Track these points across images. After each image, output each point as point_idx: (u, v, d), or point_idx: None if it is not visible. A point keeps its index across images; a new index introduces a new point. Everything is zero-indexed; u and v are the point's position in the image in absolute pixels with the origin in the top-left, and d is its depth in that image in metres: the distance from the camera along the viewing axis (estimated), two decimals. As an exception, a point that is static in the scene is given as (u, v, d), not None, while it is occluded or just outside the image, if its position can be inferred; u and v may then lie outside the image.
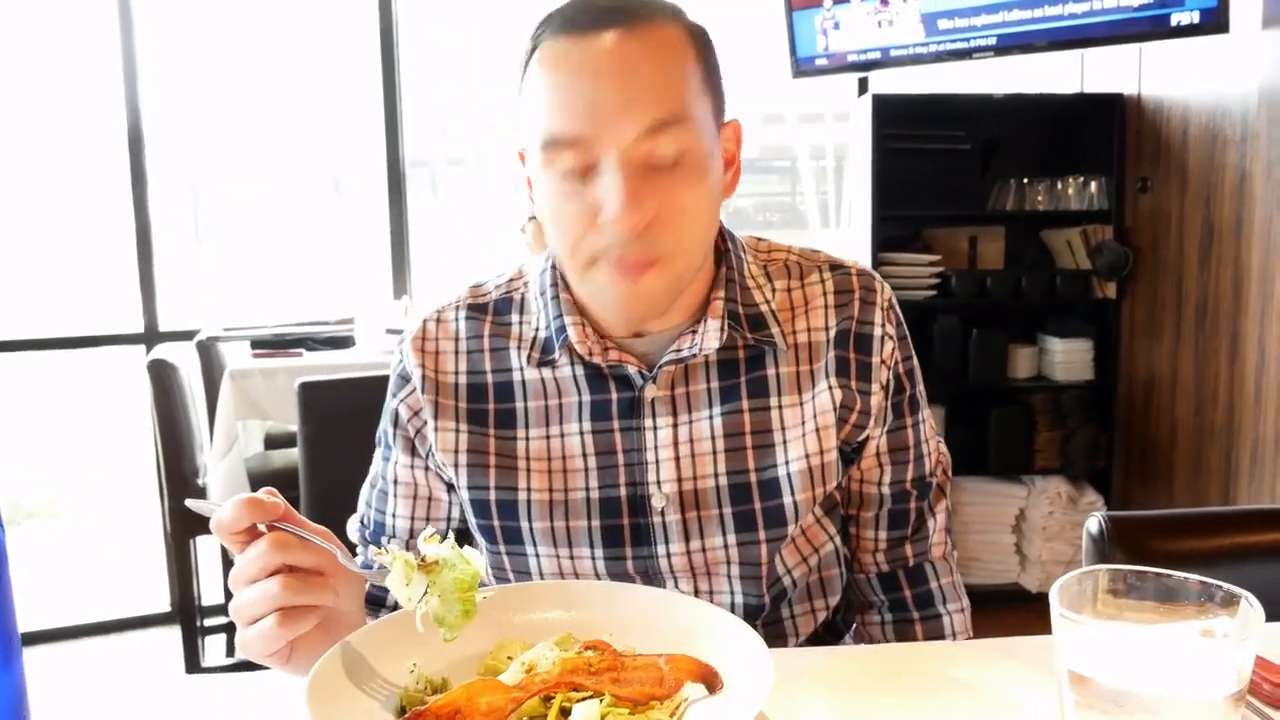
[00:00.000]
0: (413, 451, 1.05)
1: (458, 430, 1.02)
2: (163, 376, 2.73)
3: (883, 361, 1.03)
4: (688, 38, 0.92)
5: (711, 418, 1.00)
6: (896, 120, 3.35)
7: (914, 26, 3.19)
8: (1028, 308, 3.51)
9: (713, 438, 1.00)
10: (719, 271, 1.02)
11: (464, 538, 1.05)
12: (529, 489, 1.01)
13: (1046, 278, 3.38)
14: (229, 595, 2.76)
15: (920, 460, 1.07)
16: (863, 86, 3.66)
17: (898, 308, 1.06)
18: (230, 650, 3.15)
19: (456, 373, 1.04)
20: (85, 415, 5.47)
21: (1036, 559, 3.42)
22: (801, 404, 1.01)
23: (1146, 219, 3.28)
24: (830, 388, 1.01)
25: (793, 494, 1.00)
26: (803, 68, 3.40)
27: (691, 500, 0.99)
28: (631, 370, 0.99)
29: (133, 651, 3.38)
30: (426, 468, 1.05)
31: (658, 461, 1.00)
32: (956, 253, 3.51)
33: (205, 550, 3.04)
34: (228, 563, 3.19)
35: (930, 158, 3.47)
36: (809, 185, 5.64)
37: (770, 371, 1.01)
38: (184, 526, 2.80)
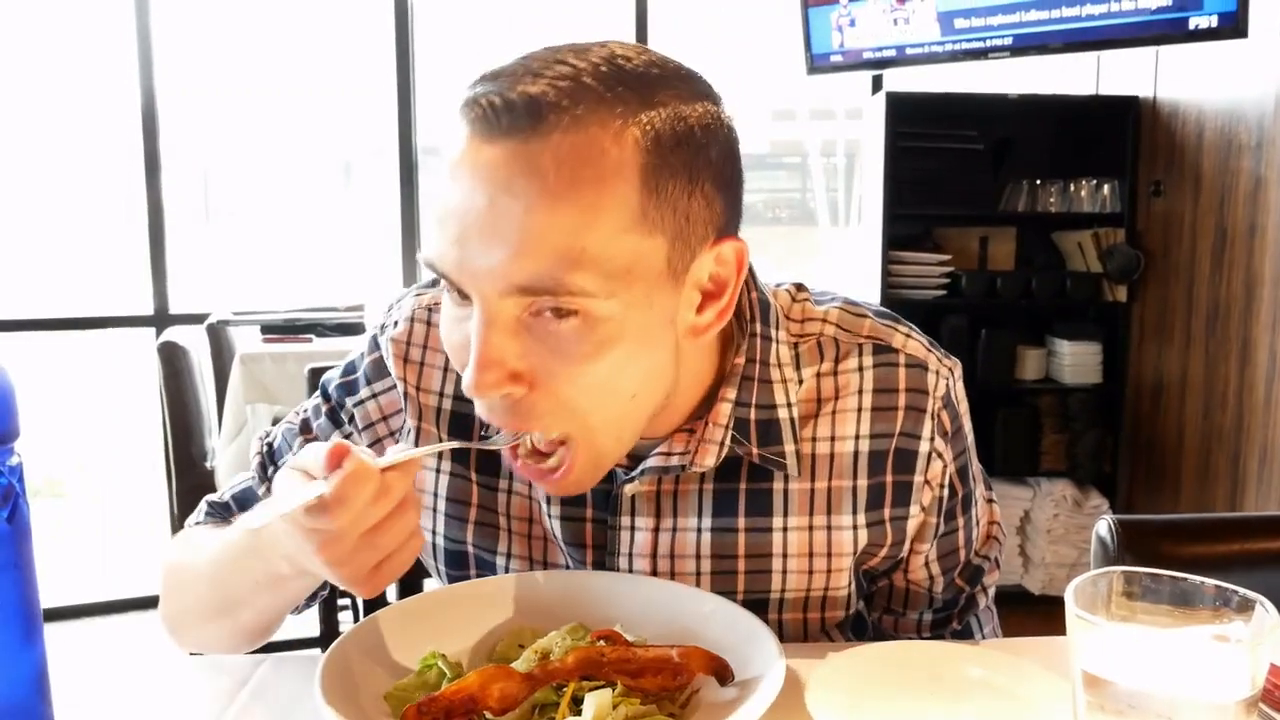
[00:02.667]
0: (369, 444, 0.92)
1: (439, 470, 0.90)
2: (173, 359, 2.74)
3: (927, 482, 0.86)
4: (640, 156, 0.67)
5: (700, 530, 0.85)
6: (910, 119, 3.34)
7: (930, 25, 3.18)
8: (1037, 309, 3.50)
9: (698, 556, 0.85)
10: (735, 359, 0.83)
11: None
12: (509, 554, 0.89)
13: (1057, 279, 3.37)
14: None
15: (970, 547, 0.93)
16: (876, 84, 3.65)
17: (956, 392, 0.87)
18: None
19: (441, 394, 0.90)
20: (93, 396, 5.49)
21: (1040, 561, 3.42)
22: (811, 529, 0.85)
23: (1159, 223, 3.27)
24: (856, 527, 0.85)
25: (780, 612, 0.87)
26: (817, 64, 3.39)
27: None
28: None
29: (137, 632, 3.40)
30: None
31: (631, 571, 0.86)
32: (967, 253, 3.50)
33: (211, 533, 3.05)
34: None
35: (943, 157, 3.46)
36: (819, 182, 5.63)
37: (778, 486, 0.84)
38: (191, 508, 2.80)
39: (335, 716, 0.65)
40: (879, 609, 0.97)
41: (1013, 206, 3.50)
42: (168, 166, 3.48)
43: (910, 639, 1.00)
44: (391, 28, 3.59)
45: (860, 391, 0.84)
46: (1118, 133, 3.32)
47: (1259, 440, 2.80)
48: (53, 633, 0.58)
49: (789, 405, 0.84)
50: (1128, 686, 0.57)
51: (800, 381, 0.85)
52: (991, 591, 0.99)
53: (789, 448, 0.83)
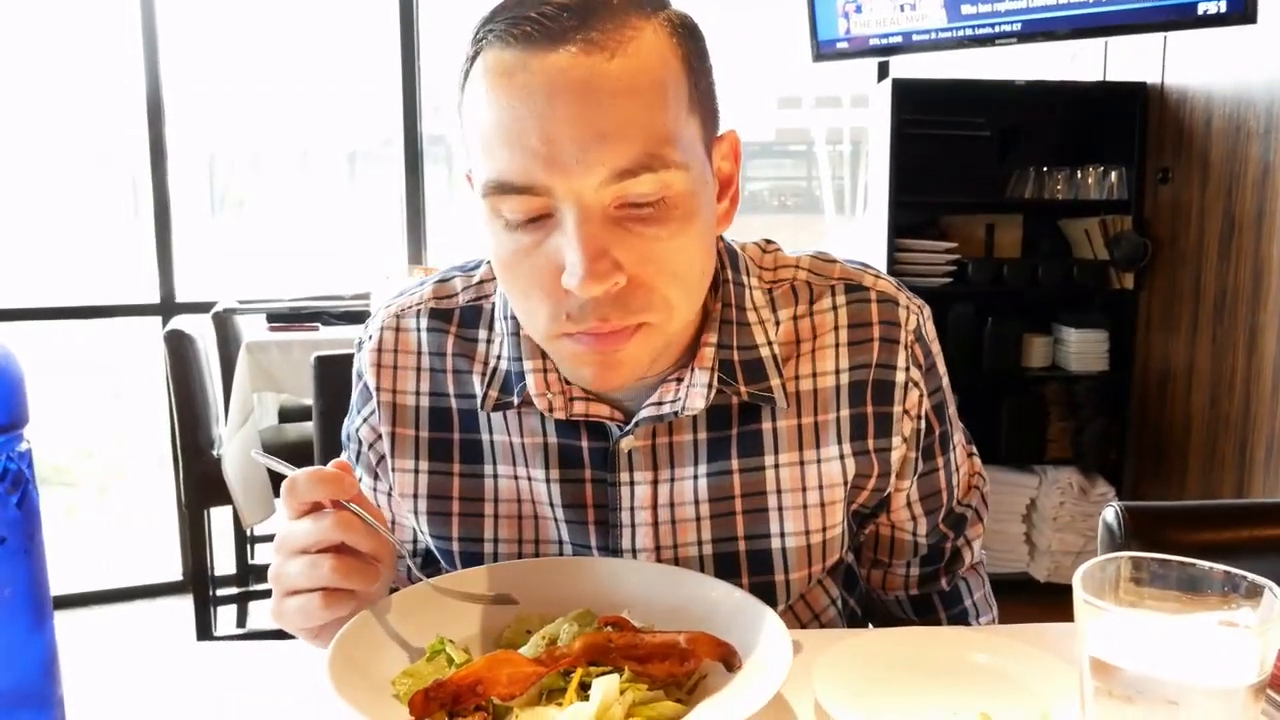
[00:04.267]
0: (375, 476, 0.96)
1: (417, 471, 0.92)
2: (180, 348, 2.74)
3: (906, 411, 0.89)
4: (672, 39, 0.73)
5: (696, 477, 0.88)
6: (916, 106, 3.33)
7: (936, 11, 3.17)
8: (1044, 297, 3.49)
9: (696, 501, 0.88)
10: (713, 306, 0.86)
11: (434, 557, 0.99)
12: (496, 539, 0.90)
13: (1063, 267, 3.36)
14: (241, 565, 2.78)
15: (952, 493, 0.97)
16: (883, 71, 3.64)
17: (927, 331, 0.91)
18: (241, 621, 3.17)
19: (418, 394, 0.92)
20: (101, 385, 5.51)
21: (1046, 549, 3.42)
22: (803, 464, 0.88)
23: (1166, 210, 3.26)
24: (843, 456, 0.88)
25: (785, 572, 0.89)
26: (823, 51, 3.38)
27: None
28: (607, 422, 0.86)
29: (144, 620, 3.42)
30: (389, 494, 0.95)
31: (634, 525, 0.88)
32: (973, 240, 3.49)
33: (218, 521, 3.07)
34: (240, 534, 3.21)
35: (949, 144, 3.45)
36: (825, 170, 5.62)
37: (766, 425, 0.88)
38: (198, 497, 2.82)
39: (343, 702, 0.65)
40: (867, 563, 1.01)
41: (1019, 194, 3.49)
42: (174, 156, 3.48)
43: (899, 597, 1.02)
44: (396, 17, 3.58)
45: (836, 328, 0.88)
46: (1125, 119, 3.30)
47: (1266, 428, 2.79)
48: (61, 620, 0.58)
49: (770, 344, 0.87)
50: (1135, 672, 0.57)
51: (778, 324, 0.88)
52: (977, 547, 1.01)
53: (775, 382, 0.86)
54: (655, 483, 0.88)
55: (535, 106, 0.69)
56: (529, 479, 0.90)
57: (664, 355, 0.84)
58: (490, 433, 0.90)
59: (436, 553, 0.95)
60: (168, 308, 3.48)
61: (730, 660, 0.73)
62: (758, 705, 0.66)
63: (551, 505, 0.90)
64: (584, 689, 0.69)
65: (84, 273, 4.93)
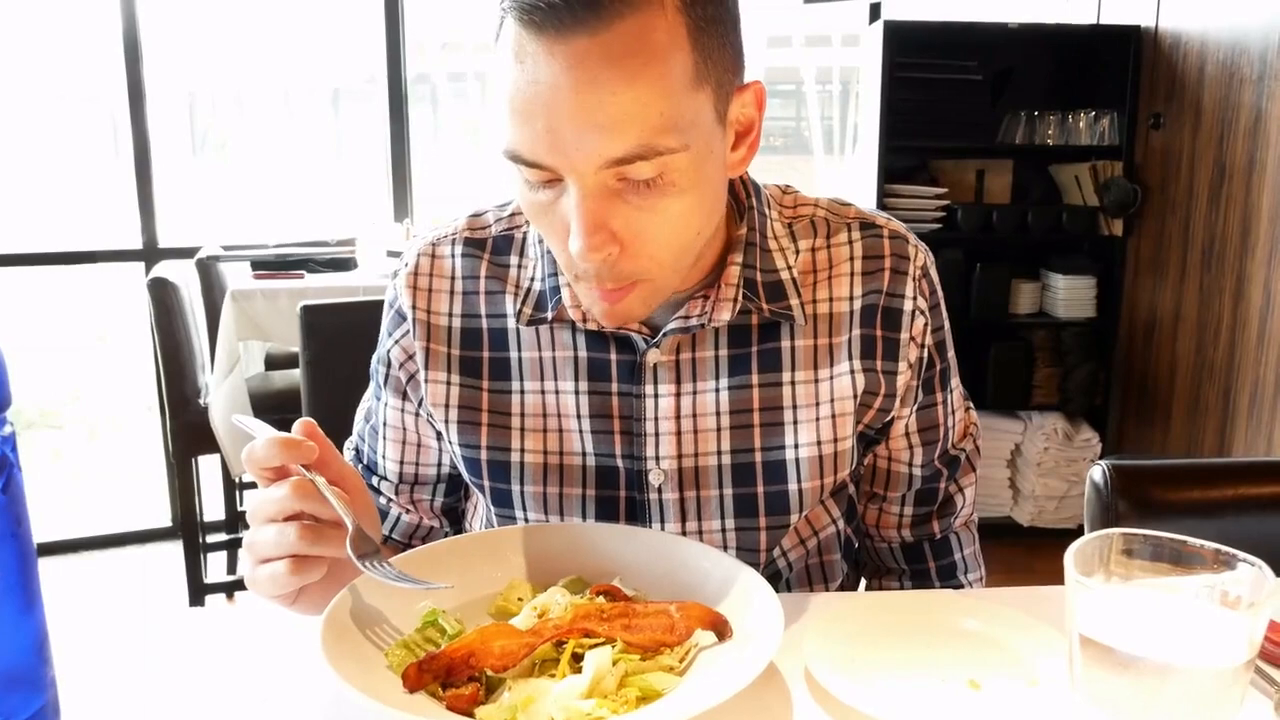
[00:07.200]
0: (404, 396, 1.00)
1: (449, 383, 0.96)
2: (163, 295, 2.71)
3: (912, 338, 0.96)
4: (681, 15, 0.74)
5: (718, 390, 0.93)
6: (908, 48, 3.29)
7: (930, -49, 3.11)
8: (1032, 243, 3.49)
9: (718, 413, 0.93)
10: (738, 231, 0.93)
11: (456, 484, 1.05)
12: (522, 449, 0.95)
13: (1053, 213, 3.35)
14: (230, 511, 2.79)
15: (948, 432, 1.02)
16: (875, 13, 3.58)
17: (933, 273, 0.98)
18: (232, 568, 3.19)
19: (450, 314, 0.97)
20: (86, 329, 5.47)
21: (1030, 494, 3.46)
22: (817, 381, 0.94)
23: (1157, 156, 3.24)
24: (853, 371, 0.94)
25: (799, 481, 0.95)
26: (815, -9, 3.32)
27: (691, 479, 0.94)
28: (634, 335, 0.92)
29: (135, 567, 3.42)
30: (417, 414, 1.00)
31: (657, 434, 0.93)
32: (963, 186, 3.47)
33: (206, 468, 3.06)
34: (229, 482, 3.21)
35: (941, 88, 3.41)
36: (814, 111, 5.56)
37: (785, 344, 0.94)
38: (186, 445, 2.81)
39: (336, 675, 0.65)
40: (864, 498, 1.07)
41: (1010, 138, 3.46)
42: (153, 96, 3.41)
43: (891, 545, 1.06)
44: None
45: (851, 259, 0.96)
46: (1118, 64, 3.27)
47: (1250, 376, 2.81)
48: (52, 566, 0.57)
49: (789, 269, 0.94)
50: (1125, 649, 0.57)
51: (797, 253, 0.95)
52: (970, 495, 1.06)
53: (794, 301, 0.93)
54: (679, 395, 0.93)
55: (541, 94, 0.73)
56: (556, 393, 0.95)
57: (691, 273, 0.90)
58: (520, 350, 0.96)
59: (463, 465, 0.98)
60: (150, 253, 3.43)
61: (721, 629, 0.73)
62: (750, 677, 0.66)
63: (578, 417, 0.94)
64: (576, 660, 0.70)
65: (66, 217, 4.86)
